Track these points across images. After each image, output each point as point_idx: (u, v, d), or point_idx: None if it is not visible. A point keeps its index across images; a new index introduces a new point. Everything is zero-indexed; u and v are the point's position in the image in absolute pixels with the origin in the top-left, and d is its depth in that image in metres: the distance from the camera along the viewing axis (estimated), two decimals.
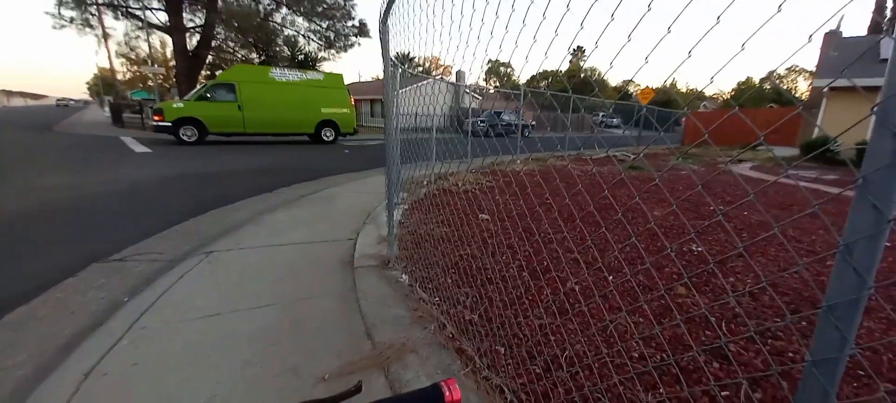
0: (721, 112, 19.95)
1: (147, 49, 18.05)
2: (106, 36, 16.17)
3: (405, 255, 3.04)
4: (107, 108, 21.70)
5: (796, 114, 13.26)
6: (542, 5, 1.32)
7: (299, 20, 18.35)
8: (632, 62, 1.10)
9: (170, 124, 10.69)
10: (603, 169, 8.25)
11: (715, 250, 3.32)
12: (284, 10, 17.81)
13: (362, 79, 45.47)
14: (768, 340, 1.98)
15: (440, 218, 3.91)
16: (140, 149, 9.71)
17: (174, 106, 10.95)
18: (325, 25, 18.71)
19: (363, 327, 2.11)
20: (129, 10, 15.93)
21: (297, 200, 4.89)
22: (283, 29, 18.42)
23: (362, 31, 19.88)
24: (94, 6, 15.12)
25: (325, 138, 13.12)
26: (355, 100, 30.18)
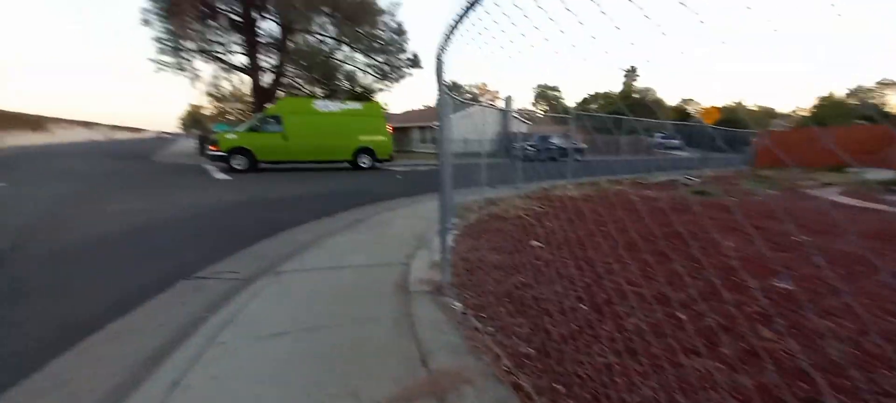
0: (798, 131, 18.03)
1: (229, 87, 20.73)
2: (196, 77, 18.79)
3: (458, 282, 3.05)
4: (194, 140, 24.67)
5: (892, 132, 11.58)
6: (593, 28, 1.33)
7: (358, 56, 19.92)
8: (691, 80, 1.07)
9: (224, 154, 11.77)
10: (664, 194, 7.75)
11: (802, 287, 2.95)
12: (346, 48, 19.46)
13: (413, 107, 47.44)
14: (881, 398, 1.70)
15: (491, 244, 3.89)
16: (220, 176, 10.86)
17: (228, 137, 12.09)
18: (380, 59, 20.04)
19: (418, 353, 2.13)
20: (216, 54, 18.36)
21: (354, 224, 5.14)
22: (344, 64, 20.01)
23: (415, 62, 20.94)
24: (187, 52, 17.55)
25: (361, 164, 13.55)
26: (406, 127, 31.33)
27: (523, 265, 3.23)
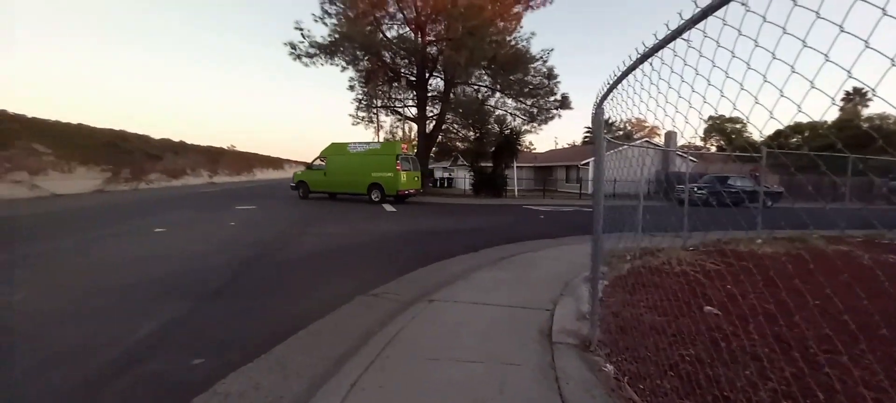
0: None
1: (401, 134, 25.41)
2: (379, 127, 23.63)
3: (609, 340, 2.78)
4: None
5: None
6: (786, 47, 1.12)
7: (509, 101, 21.19)
8: None
9: (295, 185, 16.49)
10: None
11: None
12: (498, 94, 21.04)
13: (559, 146, 46.45)
14: None
15: (649, 301, 3.42)
16: (389, 208, 12.89)
17: (297, 174, 16.60)
18: (529, 103, 20.70)
19: None
20: (395, 108, 23.27)
21: (498, 262, 5.29)
22: (495, 110, 21.52)
23: (563, 103, 20.75)
24: (375, 108, 22.62)
25: (373, 199, 14.92)
26: (550, 166, 30.69)
27: (694, 334, 2.73)
